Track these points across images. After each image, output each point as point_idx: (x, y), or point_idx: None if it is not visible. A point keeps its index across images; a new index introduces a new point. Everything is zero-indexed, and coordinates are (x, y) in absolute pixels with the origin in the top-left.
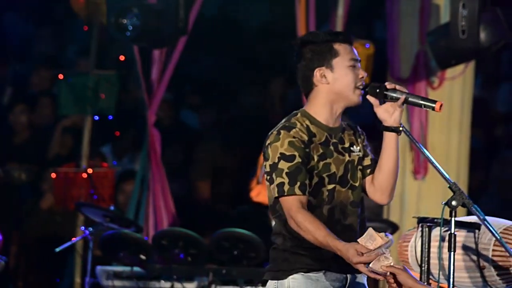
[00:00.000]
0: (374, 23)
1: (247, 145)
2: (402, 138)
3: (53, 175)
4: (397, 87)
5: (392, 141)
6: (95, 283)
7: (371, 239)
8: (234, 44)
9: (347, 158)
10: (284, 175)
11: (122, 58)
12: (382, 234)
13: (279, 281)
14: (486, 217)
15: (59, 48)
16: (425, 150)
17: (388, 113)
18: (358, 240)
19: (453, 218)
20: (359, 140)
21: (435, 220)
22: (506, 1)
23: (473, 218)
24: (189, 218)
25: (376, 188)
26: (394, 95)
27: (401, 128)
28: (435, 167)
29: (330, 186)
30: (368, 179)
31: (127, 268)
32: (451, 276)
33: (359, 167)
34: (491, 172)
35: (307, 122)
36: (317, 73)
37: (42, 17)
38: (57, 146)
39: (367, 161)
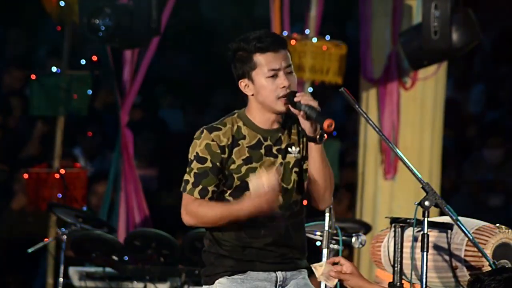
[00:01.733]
0: (347, 23)
1: None
2: (374, 138)
3: (25, 175)
4: (302, 99)
5: (313, 151)
6: (68, 284)
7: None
8: (207, 44)
9: (279, 160)
10: (192, 174)
11: (94, 58)
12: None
13: (209, 286)
14: (459, 218)
15: (31, 49)
16: (398, 150)
17: (303, 124)
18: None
19: (426, 219)
20: (303, 140)
21: (408, 220)
22: (478, 2)
23: (445, 219)
24: (161, 218)
25: (310, 195)
26: (300, 108)
27: (317, 138)
28: (408, 167)
29: None
30: (306, 183)
31: (100, 269)
32: (424, 276)
33: (295, 169)
34: (463, 172)
35: (240, 124)
36: (241, 84)
37: (13, 17)
38: (33, 149)
39: (306, 164)
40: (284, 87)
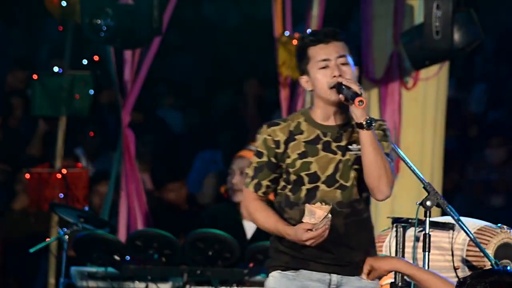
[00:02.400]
0: (349, 24)
1: (222, 145)
2: None
3: (27, 175)
4: (344, 81)
5: (362, 137)
6: (69, 284)
7: (312, 214)
8: (209, 45)
9: (338, 157)
10: (252, 168)
11: (96, 58)
12: (318, 204)
13: (267, 278)
14: (461, 218)
15: (33, 49)
16: (399, 150)
17: (352, 110)
18: (302, 219)
19: (427, 219)
20: None
21: (410, 220)
22: (480, 2)
23: (447, 219)
24: (162, 219)
25: (367, 185)
26: (341, 92)
27: (364, 123)
28: (410, 167)
29: (310, 185)
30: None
31: (101, 269)
32: None
33: (355, 166)
34: (465, 172)
35: (301, 119)
36: (302, 80)
37: (15, 17)
38: (34, 149)
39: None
40: (335, 76)
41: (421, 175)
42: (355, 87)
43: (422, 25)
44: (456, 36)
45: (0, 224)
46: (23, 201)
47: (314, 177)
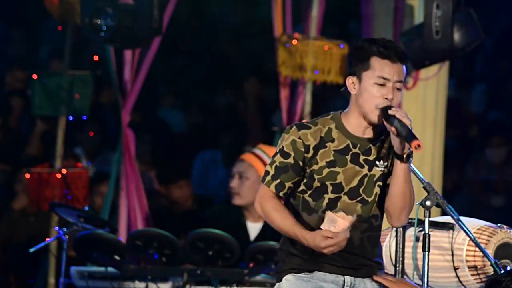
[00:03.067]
0: (349, 23)
1: (222, 145)
2: None
3: (27, 175)
4: (397, 114)
5: (397, 169)
6: (69, 284)
7: (332, 222)
8: (209, 44)
9: (365, 171)
10: (273, 166)
11: (96, 58)
12: (342, 214)
13: (278, 283)
14: (460, 217)
15: (33, 48)
16: None
17: (393, 140)
18: (321, 226)
19: (427, 218)
20: (391, 156)
21: (410, 220)
22: (480, 2)
23: (447, 218)
24: (163, 218)
25: (386, 210)
26: (393, 123)
27: (404, 157)
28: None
29: (333, 195)
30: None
31: (102, 269)
32: (426, 276)
33: (379, 183)
34: (465, 172)
35: (332, 126)
36: (349, 80)
37: (15, 17)
38: (34, 149)
39: (390, 180)
40: (386, 99)
41: (420, 175)
42: (408, 123)
43: (422, 25)
44: (456, 36)
45: (0, 224)
46: (23, 201)
47: (338, 188)
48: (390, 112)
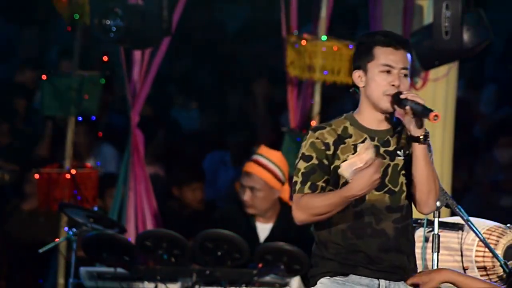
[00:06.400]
0: (358, 24)
1: (231, 146)
2: None
3: (36, 176)
4: (409, 96)
5: (416, 151)
6: (79, 284)
7: (351, 167)
8: (218, 45)
9: (387, 161)
10: (299, 174)
11: (105, 58)
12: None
13: (312, 287)
14: (470, 218)
15: (44, 49)
16: None
17: (409, 124)
18: (347, 177)
19: (436, 219)
20: (411, 144)
21: (419, 220)
22: (490, 2)
23: (456, 219)
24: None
25: (413, 198)
26: (406, 104)
27: (421, 138)
28: None
29: None
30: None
31: (111, 269)
32: None
33: (403, 172)
34: (474, 173)
35: (347, 124)
36: (355, 74)
37: (25, 17)
38: (44, 150)
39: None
40: (393, 85)
41: None
42: (421, 101)
43: (431, 25)
44: (466, 37)
45: (10, 225)
46: (33, 202)
47: None
48: (402, 96)
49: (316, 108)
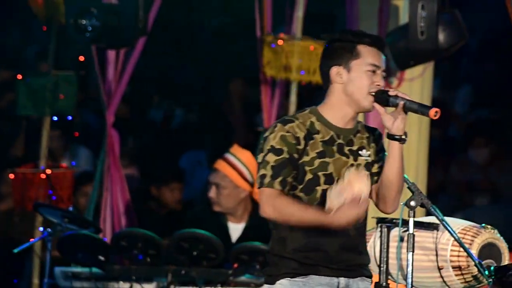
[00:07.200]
0: (334, 24)
1: (207, 145)
2: None
3: (11, 175)
4: (399, 93)
5: (394, 150)
6: (54, 284)
7: (340, 195)
8: (194, 44)
9: (351, 161)
10: (268, 167)
11: (81, 58)
12: (345, 178)
13: (270, 285)
14: (445, 218)
15: (19, 49)
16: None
17: (391, 121)
18: (327, 206)
19: (412, 219)
20: (372, 144)
21: (394, 220)
22: (465, 2)
23: (431, 219)
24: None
25: (379, 197)
26: (396, 101)
27: (403, 137)
28: None
29: (326, 186)
30: (374, 187)
31: (86, 269)
32: (410, 276)
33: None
34: (450, 173)
35: (313, 119)
36: (333, 70)
37: (0, 17)
38: (18, 149)
39: (375, 168)
40: (378, 85)
41: (405, 175)
42: (413, 100)
43: (407, 26)
44: (441, 37)
45: None
46: (8, 202)
47: (330, 178)
48: (391, 93)
49: (292, 108)
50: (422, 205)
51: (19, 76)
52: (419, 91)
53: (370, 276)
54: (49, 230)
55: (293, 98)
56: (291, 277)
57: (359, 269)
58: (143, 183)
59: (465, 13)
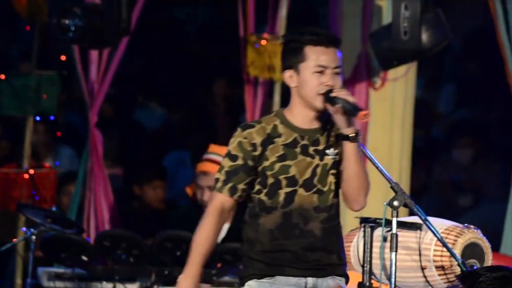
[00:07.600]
0: (317, 24)
1: (190, 146)
2: None
3: None
4: (339, 93)
5: (347, 149)
6: (36, 285)
7: None
8: (177, 45)
9: (316, 161)
10: (223, 172)
11: (63, 58)
12: None
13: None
14: (428, 218)
15: (2, 48)
16: (366, 150)
17: (339, 121)
18: None
19: (395, 218)
20: (340, 142)
21: (377, 220)
22: (448, 2)
23: (415, 219)
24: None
25: (344, 195)
26: (337, 102)
27: (353, 135)
28: (377, 167)
29: (289, 189)
30: (342, 184)
31: (69, 270)
32: (393, 276)
33: (332, 171)
34: (433, 173)
35: (277, 122)
36: (286, 74)
37: None
38: (2, 149)
39: (343, 164)
40: (327, 85)
41: (388, 175)
42: (352, 100)
43: (390, 26)
44: (424, 37)
45: None
46: None
47: (292, 181)
48: (332, 94)
49: (276, 108)
50: (405, 205)
51: (2, 76)
52: (403, 91)
53: (343, 275)
54: (32, 230)
55: (276, 98)
56: (258, 278)
57: (329, 268)
58: (126, 183)
59: (449, 13)
